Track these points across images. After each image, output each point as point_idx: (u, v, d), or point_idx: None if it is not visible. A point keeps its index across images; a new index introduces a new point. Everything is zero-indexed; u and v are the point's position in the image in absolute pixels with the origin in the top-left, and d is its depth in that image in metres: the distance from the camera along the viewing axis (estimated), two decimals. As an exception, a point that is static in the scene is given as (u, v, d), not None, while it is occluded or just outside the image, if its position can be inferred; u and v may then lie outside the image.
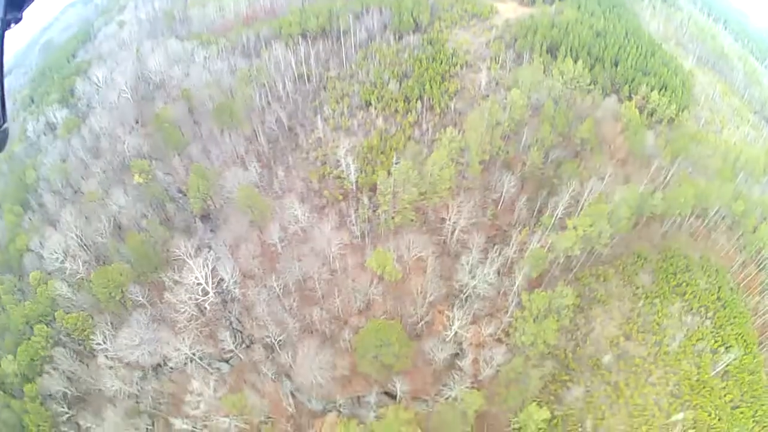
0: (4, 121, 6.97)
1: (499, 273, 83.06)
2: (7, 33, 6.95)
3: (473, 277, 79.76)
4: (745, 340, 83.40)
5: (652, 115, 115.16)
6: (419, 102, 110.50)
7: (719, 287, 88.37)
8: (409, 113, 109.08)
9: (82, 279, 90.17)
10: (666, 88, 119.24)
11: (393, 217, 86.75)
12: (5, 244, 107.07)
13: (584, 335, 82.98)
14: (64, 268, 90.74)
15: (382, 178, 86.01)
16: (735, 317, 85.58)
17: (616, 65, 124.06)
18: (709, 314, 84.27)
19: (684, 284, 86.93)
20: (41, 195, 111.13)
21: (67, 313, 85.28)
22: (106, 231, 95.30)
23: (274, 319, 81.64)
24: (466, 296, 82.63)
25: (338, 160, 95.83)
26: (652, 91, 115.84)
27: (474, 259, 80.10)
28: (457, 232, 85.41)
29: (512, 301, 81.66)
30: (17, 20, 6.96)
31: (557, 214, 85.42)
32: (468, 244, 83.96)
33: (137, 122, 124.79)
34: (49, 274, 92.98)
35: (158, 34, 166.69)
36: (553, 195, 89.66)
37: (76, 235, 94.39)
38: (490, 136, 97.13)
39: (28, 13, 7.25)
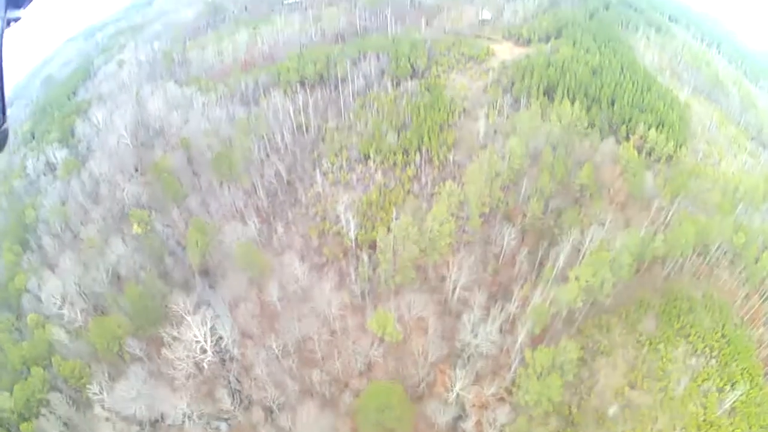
0: (4, 121, 6.85)
1: (501, 330, 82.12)
2: (6, 32, 6.86)
3: (475, 336, 78.85)
4: (750, 374, 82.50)
5: (650, 154, 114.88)
6: (418, 154, 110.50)
7: (723, 324, 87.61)
8: (408, 166, 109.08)
9: (80, 327, 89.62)
10: (663, 125, 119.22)
11: (393, 276, 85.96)
12: (4, 283, 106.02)
13: (588, 388, 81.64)
14: (62, 314, 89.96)
15: (381, 236, 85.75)
16: (740, 352, 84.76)
17: (613, 104, 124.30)
18: (714, 353, 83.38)
19: (688, 326, 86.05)
20: (40, 236, 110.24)
21: (65, 360, 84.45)
22: (104, 281, 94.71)
23: (274, 380, 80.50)
24: (468, 355, 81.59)
25: (338, 216, 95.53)
26: (649, 129, 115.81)
27: (476, 318, 79.19)
28: (458, 290, 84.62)
29: (515, 359, 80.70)
30: (17, 19, 7.01)
31: (558, 266, 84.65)
32: (469, 302, 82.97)
33: (136, 170, 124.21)
34: (47, 317, 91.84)
35: (157, 76, 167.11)
36: (554, 245, 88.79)
37: (75, 281, 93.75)
38: (490, 187, 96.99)
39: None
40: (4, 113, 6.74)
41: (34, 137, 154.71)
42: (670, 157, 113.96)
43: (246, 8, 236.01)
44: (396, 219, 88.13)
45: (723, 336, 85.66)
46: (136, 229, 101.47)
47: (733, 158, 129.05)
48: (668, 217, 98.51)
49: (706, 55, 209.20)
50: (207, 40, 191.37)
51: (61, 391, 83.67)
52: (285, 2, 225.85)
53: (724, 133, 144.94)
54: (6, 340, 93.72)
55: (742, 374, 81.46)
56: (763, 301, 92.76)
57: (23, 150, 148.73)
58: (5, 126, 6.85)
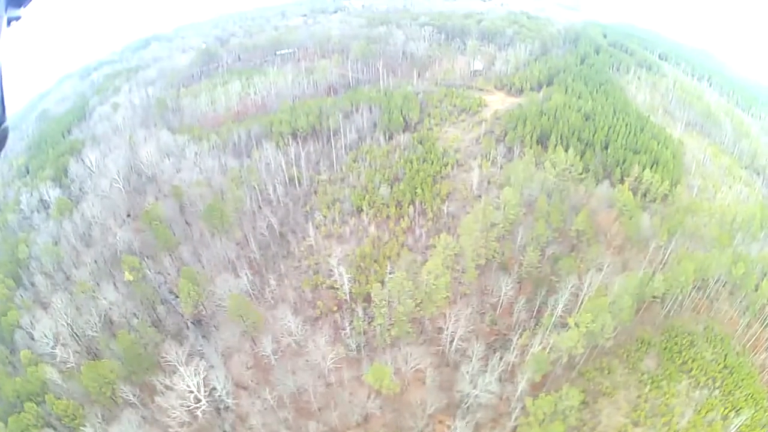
0: (4, 120, 6.75)
1: (500, 379, 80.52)
2: (7, 32, 6.76)
3: (474, 387, 77.28)
4: (754, 399, 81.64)
5: (645, 195, 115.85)
6: (411, 207, 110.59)
7: (725, 355, 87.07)
8: (402, 219, 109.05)
9: (73, 368, 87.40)
10: (657, 164, 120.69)
11: (389, 330, 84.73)
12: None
13: (591, 429, 79.80)
14: (55, 354, 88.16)
15: (376, 291, 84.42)
16: (743, 379, 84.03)
17: (607, 148, 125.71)
18: (717, 384, 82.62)
19: (690, 360, 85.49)
20: (33, 274, 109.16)
21: (58, 399, 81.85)
22: (96, 325, 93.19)
23: (270, 430, 78.96)
24: (468, 405, 79.85)
25: (331, 270, 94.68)
26: (644, 170, 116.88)
27: (474, 368, 77.80)
28: (455, 341, 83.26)
29: (516, 407, 78.93)
30: (18, 18, 6.93)
31: (557, 313, 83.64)
32: (467, 352, 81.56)
33: (128, 215, 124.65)
34: (40, 356, 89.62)
35: (150, 122, 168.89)
36: (552, 293, 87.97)
37: (67, 323, 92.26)
38: (485, 238, 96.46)
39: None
40: (3, 112, 6.70)
41: (28, 172, 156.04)
42: (665, 196, 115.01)
43: (239, 57, 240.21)
44: (390, 273, 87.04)
45: (725, 367, 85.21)
46: (127, 276, 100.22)
47: (728, 189, 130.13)
48: (666, 256, 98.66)
49: (698, 90, 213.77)
50: (200, 88, 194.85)
51: (55, 429, 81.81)
52: (278, 53, 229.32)
53: (718, 164, 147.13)
54: (0, 372, 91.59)
55: (746, 400, 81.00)
56: (765, 328, 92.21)
57: (17, 183, 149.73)
58: (5, 125, 6.78)
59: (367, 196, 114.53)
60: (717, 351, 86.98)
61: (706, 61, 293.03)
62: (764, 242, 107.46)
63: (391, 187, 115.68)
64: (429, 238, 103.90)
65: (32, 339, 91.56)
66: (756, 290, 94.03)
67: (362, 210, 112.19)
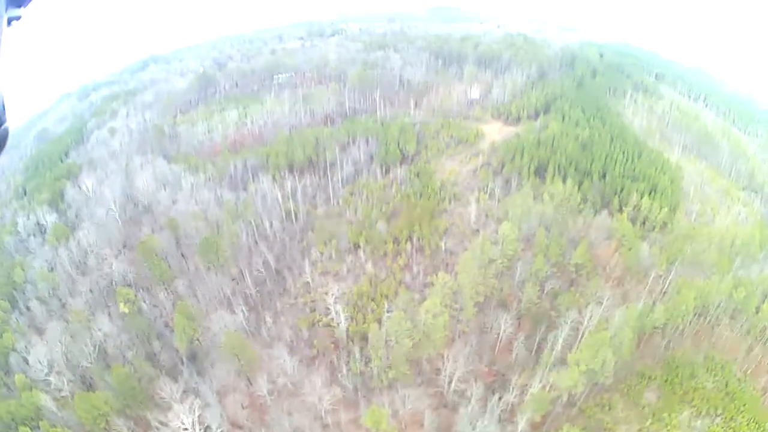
0: (4, 121, 6.51)
1: (500, 420, 79.57)
2: (7, 31, 6.57)
3: (473, 428, 76.28)
4: (757, 423, 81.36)
5: (644, 223, 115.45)
6: (409, 243, 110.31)
7: (726, 382, 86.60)
8: (399, 256, 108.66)
9: (67, 396, 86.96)
10: (656, 191, 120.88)
11: (386, 371, 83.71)
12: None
13: (593, 464, 79.72)
14: (49, 381, 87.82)
15: (373, 332, 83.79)
16: (745, 404, 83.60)
17: (605, 176, 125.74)
18: (719, 411, 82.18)
19: (691, 390, 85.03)
20: (28, 298, 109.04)
21: (53, 427, 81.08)
22: (91, 355, 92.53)
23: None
24: (467, 448, 78.77)
25: (328, 308, 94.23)
26: (642, 197, 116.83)
27: (473, 410, 76.94)
28: (454, 382, 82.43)
29: (515, 447, 78.08)
30: (18, 18, 6.82)
31: (557, 350, 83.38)
32: (466, 393, 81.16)
33: (124, 245, 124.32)
34: (34, 381, 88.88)
35: (147, 148, 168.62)
36: (552, 328, 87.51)
37: (62, 351, 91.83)
38: (483, 275, 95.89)
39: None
40: (3, 112, 6.50)
41: (26, 193, 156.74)
42: (664, 224, 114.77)
43: (237, 83, 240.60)
44: (388, 313, 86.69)
45: (727, 394, 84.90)
46: (122, 308, 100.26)
47: (727, 212, 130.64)
48: (666, 286, 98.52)
49: (694, 111, 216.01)
50: (197, 115, 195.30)
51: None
52: (275, 78, 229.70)
53: (716, 187, 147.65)
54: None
55: (748, 424, 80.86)
56: (766, 352, 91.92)
57: (14, 204, 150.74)
58: (5, 126, 6.60)
59: (364, 232, 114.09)
60: (718, 379, 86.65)
61: (702, 79, 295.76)
62: (764, 263, 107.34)
63: (389, 223, 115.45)
64: (427, 276, 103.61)
65: (27, 363, 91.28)
66: (757, 313, 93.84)
67: (359, 246, 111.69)
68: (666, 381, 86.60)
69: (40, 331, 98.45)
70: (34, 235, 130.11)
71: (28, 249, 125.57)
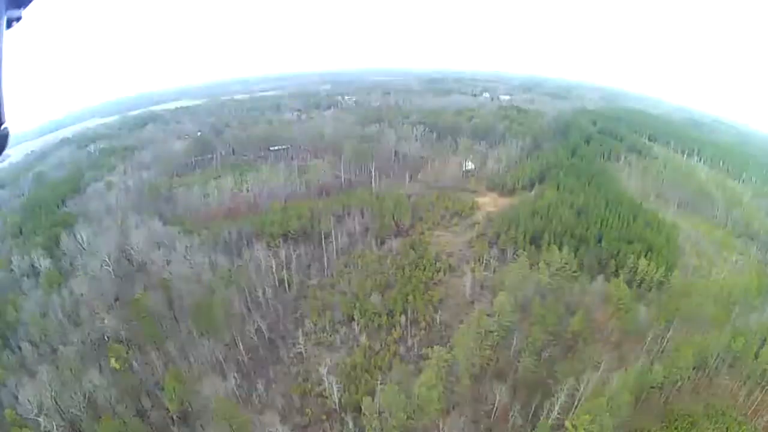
0: (4, 121, 6.47)
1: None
2: (7, 32, 6.51)
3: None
4: None
5: (640, 284, 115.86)
6: (403, 316, 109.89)
7: (727, 427, 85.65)
8: (394, 329, 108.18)
9: None
10: (652, 251, 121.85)
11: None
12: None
13: None
14: (39, 422, 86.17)
15: (367, 404, 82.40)
16: None
17: (600, 241, 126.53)
18: None
19: None
20: (20, 338, 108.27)
21: None
22: (81, 404, 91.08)
23: None
24: None
25: (321, 378, 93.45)
26: (638, 259, 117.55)
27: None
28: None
29: None
30: (18, 19, 6.74)
31: (553, 416, 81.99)
32: (462, 464, 78.53)
33: (117, 300, 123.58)
34: (24, 419, 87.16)
35: (143, 208, 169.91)
36: (549, 396, 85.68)
37: (52, 396, 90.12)
38: (479, 347, 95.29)
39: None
40: (3, 113, 6.47)
41: (21, 233, 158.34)
42: (661, 283, 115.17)
43: (233, 150, 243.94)
44: (382, 385, 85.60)
45: None
46: (113, 364, 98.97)
47: (723, 263, 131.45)
48: (664, 344, 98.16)
49: (688, 167, 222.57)
50: (193, 179, 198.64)
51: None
52: (271, 149, 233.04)
53: (712, 239, 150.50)
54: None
55: None
56: (765, 393, 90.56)
57: (10, 242, 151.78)
58: (5, 126, 6.60)
59: (358, 304, 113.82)
60: (718, 425, 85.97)
61: (694, 131, 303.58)
62: (762, 309, 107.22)
63: (383, 295, 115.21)
64: (421, 348, 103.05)
65: (17, 401, 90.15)
66: (756, 358, 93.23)
67: (353, 319, 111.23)
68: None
69: (30, 372, 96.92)
70: (28, 276, 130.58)
71: (22, 289, 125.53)
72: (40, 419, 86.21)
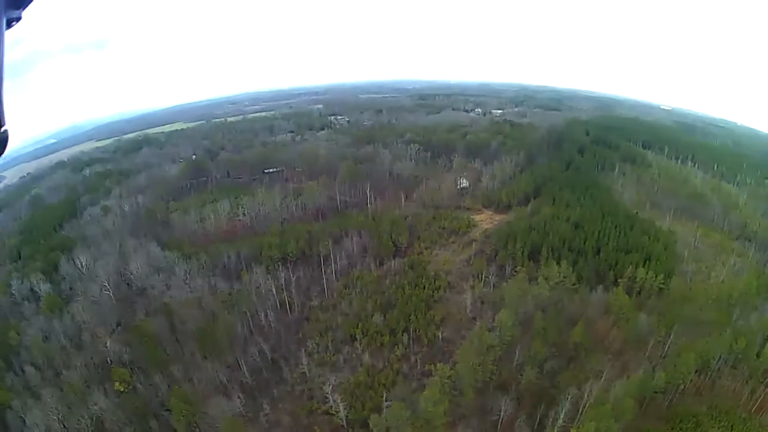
0: (3, 123, 6.48)
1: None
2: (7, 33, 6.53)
3: None
4: None
5: (640, 293, 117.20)
6: (405, 334, 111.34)
7: (731, 425, 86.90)
8: (396, 347, 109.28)
9: None
10: (650, 259, 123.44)
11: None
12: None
13: None
14: None
15: (374, 420, 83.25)
16: None
17: (598, 253, 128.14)
18: None
19: None
20: (23, 361, 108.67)
21: None
22: (88, 427, 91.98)
23: None
24: None
25: (326, 396, 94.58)
26: (637, 268, 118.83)
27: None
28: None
29: None
30: (18, 19, 6.81)
31: (558, 424, 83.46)
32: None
33: (118, 324, 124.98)
34: None
35: (140, 232, 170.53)
36: (553, 405, 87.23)
37: (58, 418, 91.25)
38: (482, 362, 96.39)
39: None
40: (3, 115, 6.53)
41: (20, 257, 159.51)
42: (660, 290, 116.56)
43: (228, 173, 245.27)
44: (387, 402, 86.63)
45: None
46: (118, 386, 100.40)
47: (722, 266, 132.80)
48: (666, 350, 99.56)
49: (683, 173, 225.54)
50: (190, 203, 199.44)
51: None
52: (266, 171, 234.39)
53: (710, 243, 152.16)
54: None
55: None
56: None
57: (9, 266, 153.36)
58: (5, 129, 6.62)
59: (359, 324, 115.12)
60: (723, 424, 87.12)
61: (687, 135, 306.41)
62: (763, 308, 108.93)
63: (384, 315, 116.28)
64: (424, 365, 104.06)
65: (24, 423, 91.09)
66: (758, 358, 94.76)
67: (355, 338, 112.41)
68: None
69: (35, 395, 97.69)
70: (28, 301, 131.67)
71: (23, 314, 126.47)
72: None
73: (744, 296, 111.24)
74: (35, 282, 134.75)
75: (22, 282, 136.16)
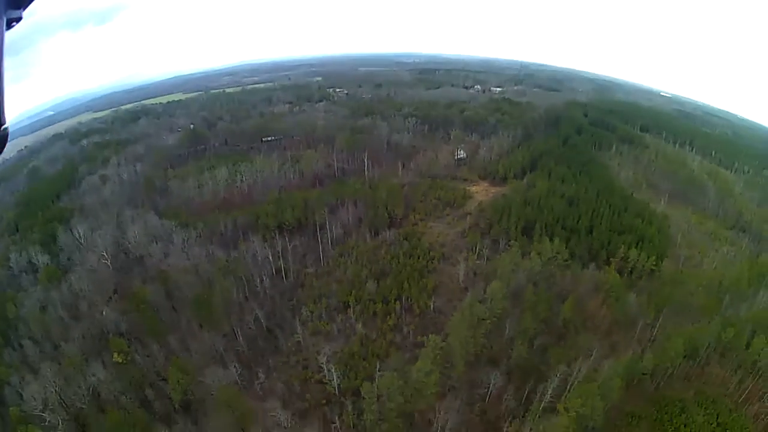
0: (4, 122, 6.61)
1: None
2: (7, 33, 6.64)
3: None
4: None
5: (631, 272, 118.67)
6: (398, 303, 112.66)
7: (717, 414, 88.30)
8: (389, 316, 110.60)
9: None
10: (642, 241, 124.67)
11: (379, 425, 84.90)
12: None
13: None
14: (44, 418, 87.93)
15: (366, 388, 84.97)
16: None
17: (591, 232, 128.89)
18: None
19: (681, 426, 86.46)
20: (21, 335, 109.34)
21: None
22: (85, 398, 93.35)
23: None
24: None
25: (320, 366, 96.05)
26: (629, 249, 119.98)
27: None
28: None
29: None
30: (19, 19, 6.85)
31: (546, 399, 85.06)
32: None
33: (115, 292, 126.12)
34: (28, 416, 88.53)
35: (138, 200, 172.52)
36: (541, 381, 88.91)
37: (56, 391, 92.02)
38: (473, 334, 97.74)
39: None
40: (3, 113, 6.60)
41: (17, 230, 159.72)
42: (651, 272, 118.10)
43: (226, 141, 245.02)
44: (379, 372, 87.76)
45: (718, 425, 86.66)
46: (116, 358, 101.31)
47: (715, 253, 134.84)
48: (655, 333, 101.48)
49: (680, 156, 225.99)
50: (188, 171, 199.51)
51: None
52: (264, 139, 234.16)
53: (704, 230, 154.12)
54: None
55: None
56: (757, 380, 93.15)
57: (6, 239, 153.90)
58: (5, 127, 6.76)
59: (353, 292, 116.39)
60: (709, 412, 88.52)
61: (686, 122, 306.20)
62: (753, 298, 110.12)
63: (378, 283, 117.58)
64: (416, 335, 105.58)
65: (21, 398, 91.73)
66: (747, 348, 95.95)
67: (349, 306, 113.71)
68: (656, 419, 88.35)
69: (32, 369, 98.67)
70: (26, 273, 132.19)
71: (20, 286, 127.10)
72: (45, 415, 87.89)
73: (735, 285, 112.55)
74: (33, 254, 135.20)
75: (20, 255, 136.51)
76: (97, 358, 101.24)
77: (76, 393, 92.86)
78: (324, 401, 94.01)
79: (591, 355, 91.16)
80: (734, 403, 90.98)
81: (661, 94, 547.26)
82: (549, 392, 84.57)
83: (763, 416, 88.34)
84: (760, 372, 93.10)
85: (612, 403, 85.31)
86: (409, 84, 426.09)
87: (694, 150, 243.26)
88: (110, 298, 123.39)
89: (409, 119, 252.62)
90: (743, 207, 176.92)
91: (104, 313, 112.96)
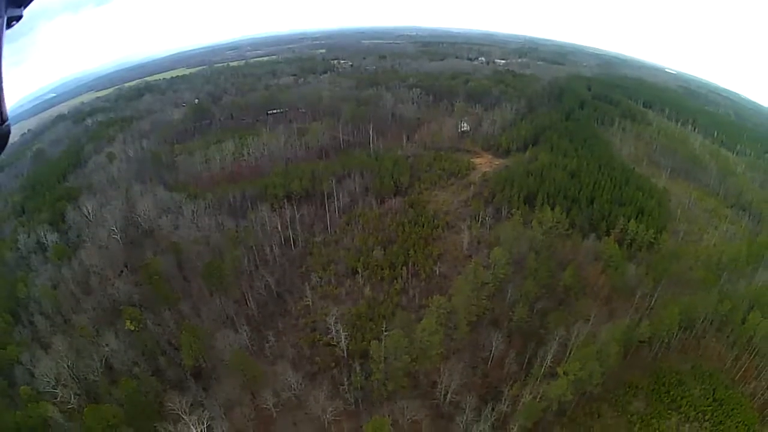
0: (4, 121, 6.76)
1: (494, 428, 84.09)
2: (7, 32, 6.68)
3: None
4: (746, 425, 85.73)
5: (631, 244, 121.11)
6: (404, 268, 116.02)
7: (714, 389, 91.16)
8: (396, 280, 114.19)
9: (74, 409, 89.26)
10: (642, 214, 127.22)
11: (386, 385, 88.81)
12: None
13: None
14: (56, 393, 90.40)
15: (374, 347, 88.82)
16: (733, 408, 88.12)
17: (592, 203, 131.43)
18: (707, 416, 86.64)
19: (678, 398, 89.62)
20: (32, 313, 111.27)
21: None
22: (97, 370, 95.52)
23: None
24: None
25: (328, 328, 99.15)
26: (629, 221, 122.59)
27: (468, 419, 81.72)
28: (449, 394, 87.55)
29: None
30: (19, 18, 6.85)
31: (546, 363, 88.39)
32: (461, 404, 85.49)
33: (126, 266, 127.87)
34: (40, 393, 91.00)
35: (146, 176, 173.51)
36: (542, 345, 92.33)
37: (67, 365, 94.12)
38: (476, 297, 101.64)
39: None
40: (4, 111, 6.69)
41: (24, 212, 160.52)
42: (651, 244, 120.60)
43: (232, 115, 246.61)
44: (386, 331, 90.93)
45: (714, 400, 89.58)
46: (128, 325, 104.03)
47: (714, 230, 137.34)
48: (652, 303, 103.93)
49: (682, 134, 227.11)
50: (194, 146, 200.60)
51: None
52: (269, 112, 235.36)
53: (704, 207, 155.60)
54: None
55: (737, 427, 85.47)
56: (753, 357, 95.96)
57: (14, 221, 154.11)
58: (6, 125, 6.84)
59: (361, 258, 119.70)
60: (705, 386, 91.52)
61: (690, 100, 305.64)
62: (751, 277, 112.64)
63: (385, 250, 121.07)
64: (422, 298, 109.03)
65: (32, 376, 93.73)
66: (743, 324, 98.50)
67: (357, 272, 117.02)
68: (653, 390, 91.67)
69: (44, 345, 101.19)
70: (35, 253, 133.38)
71: (30, 266, 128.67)
72: (58, 390, 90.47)
73: (733, 262, 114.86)
74: (42, 233, 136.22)
75: (29, 236, 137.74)
76: (109, 329, 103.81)
77: (88, 366, 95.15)
78: (333, 364, 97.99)
79: (590, 320, 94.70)
80: (731, 380, 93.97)
81: (666, 70, 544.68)
82: (549, 356, 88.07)
83: (760, 394, 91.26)
84: (756, 349, 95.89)
85: (610, 370, 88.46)
86: (413, 56, 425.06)
87: (696, 129, 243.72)
88: (122, 271, 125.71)
89: (414, 90, 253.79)
90: (744, 186, 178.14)
91: (116, 285, 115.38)
